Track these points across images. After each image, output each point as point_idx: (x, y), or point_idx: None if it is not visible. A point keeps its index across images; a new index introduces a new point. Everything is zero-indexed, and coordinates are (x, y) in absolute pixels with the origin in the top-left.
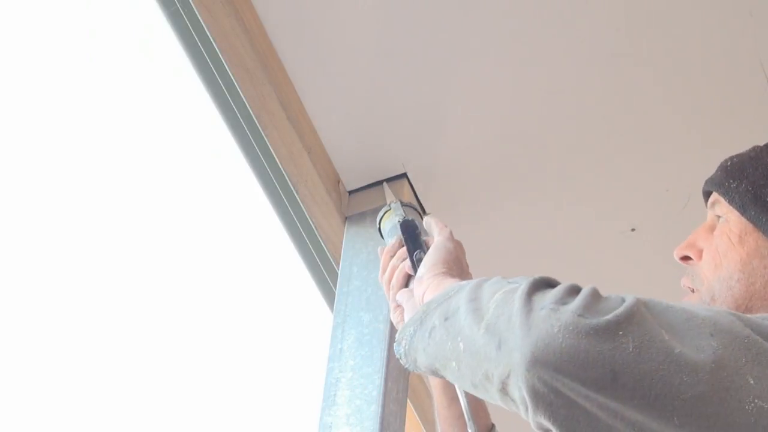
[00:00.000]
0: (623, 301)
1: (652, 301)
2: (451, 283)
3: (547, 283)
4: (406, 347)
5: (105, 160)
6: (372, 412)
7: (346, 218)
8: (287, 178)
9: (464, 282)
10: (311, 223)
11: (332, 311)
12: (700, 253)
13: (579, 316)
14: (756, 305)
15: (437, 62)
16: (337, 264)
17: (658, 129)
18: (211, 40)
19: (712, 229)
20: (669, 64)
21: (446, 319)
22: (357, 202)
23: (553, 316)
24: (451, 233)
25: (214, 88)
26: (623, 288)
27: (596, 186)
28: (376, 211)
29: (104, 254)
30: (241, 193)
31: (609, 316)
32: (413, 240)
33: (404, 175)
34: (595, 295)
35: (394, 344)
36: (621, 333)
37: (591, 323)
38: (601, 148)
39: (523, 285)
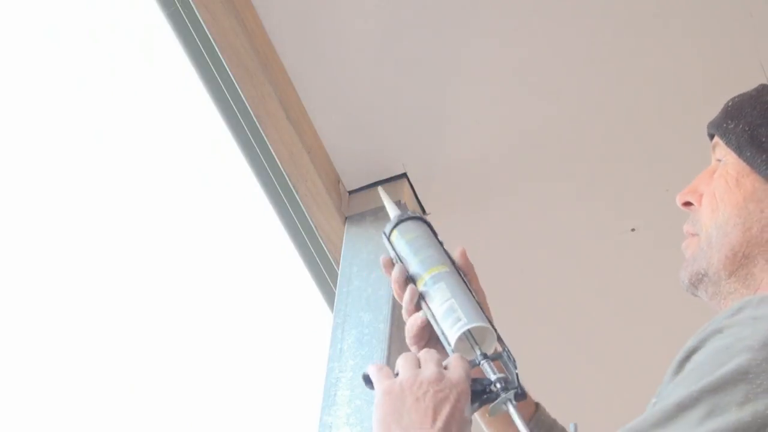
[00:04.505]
0: None
1: None
2: None
3: None
4: None
5: (105, 161)
6: (372, 412)
7: (346, 218)
8: (287, 178)
9: None
10: (311, 223)
11: (332, 311)
12: (701, 198)
13: None
14: (753, 252)
15: (437, 62)
16: (337, 264)
17: (658, 129)
18: (211, 40)
19: (714, 173)
20: (669, 64)
21: None
22: (357, 202)
23: None
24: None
25: (214, 89)
26: (623, 288)
27: (596, 186)
28: (376, 211)
29: (104, 255)
30: (241, 193)
31: None
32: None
33: (404, 175)
34: None
35: None
36: None
37: None
38: (601, 148)
39: None
